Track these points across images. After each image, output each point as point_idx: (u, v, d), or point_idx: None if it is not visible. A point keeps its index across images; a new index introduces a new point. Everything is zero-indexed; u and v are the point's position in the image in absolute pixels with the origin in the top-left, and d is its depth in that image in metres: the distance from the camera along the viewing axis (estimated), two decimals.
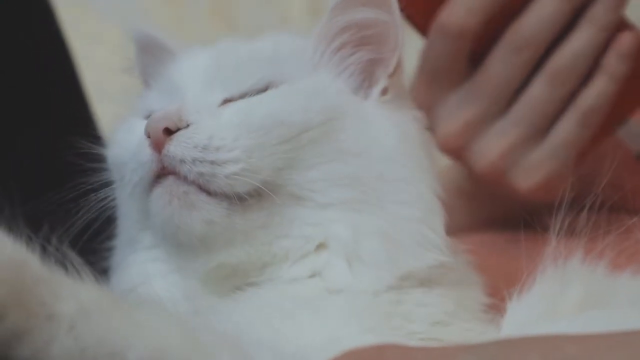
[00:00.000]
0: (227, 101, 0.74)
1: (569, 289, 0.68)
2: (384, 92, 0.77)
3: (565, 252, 0.69)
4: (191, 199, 0.69)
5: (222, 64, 0.76)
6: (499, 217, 1.00)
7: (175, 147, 0.69)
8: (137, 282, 0.74)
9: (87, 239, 0.72)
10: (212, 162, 0.69)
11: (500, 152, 0.93)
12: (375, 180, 0.72)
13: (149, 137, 0.70)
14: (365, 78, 0.77)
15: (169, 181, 0.70)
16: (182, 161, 0.69)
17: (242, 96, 0.74)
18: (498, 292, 0.71)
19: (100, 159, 0.78)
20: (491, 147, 0.94)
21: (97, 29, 1.39)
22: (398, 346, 0.60)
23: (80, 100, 1.07)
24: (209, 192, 0.70)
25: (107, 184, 0.76)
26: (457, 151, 0.96)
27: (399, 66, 0.77)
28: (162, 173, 0.70)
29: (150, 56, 0.83)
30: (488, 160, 0.94)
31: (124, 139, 0.76)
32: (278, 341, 0.62)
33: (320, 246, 0.71)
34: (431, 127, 0.90)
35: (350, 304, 0.68)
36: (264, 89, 0.74)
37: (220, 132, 0.70)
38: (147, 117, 0.75)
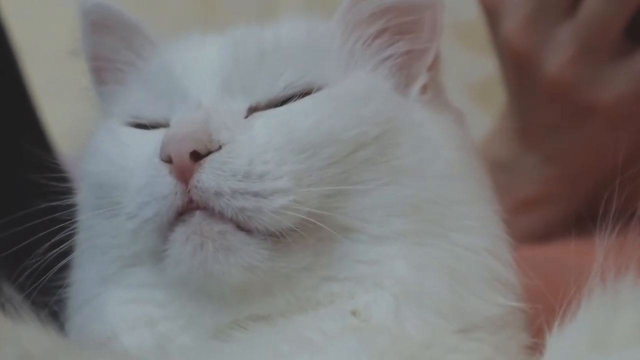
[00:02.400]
0: (252, 110, 0.62)
1: (620, 316, 0.59)
2: (424, 89, 0.67)
3: (615, 270, 0.59)
4: (229, 240, 0.58)
5: (243, 59, 0.64)
6: (541, 196, 0.95)
7: (209, 176, 0.58)
8: (118, 327, 0.63)
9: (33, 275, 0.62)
10: (256, 194, 0.58)
11: (566, 60, 0.89)
12: (436, 204, 0.62)
13: (168, 161, 0.58)
14: (403, 74, 0.66)
15: (197, 218, 0.58)
16: (218, 194, 0.58)
17: (273, 103, 0.63)
18: (539, 327, 0.62)
19: (49, 170, 0.66)
20: (557, 54, 0.90)
21: (44, 12, 1.28)
22: None
23: (23, 97, 0.94)
24: (248, 230, 0.59)
25: (57, 207, 0.64)
26: (522, 53, 0.91)
27: (437, 58, 0.67)
28: (189, 208, 0.59)
29: (111, 37, 0.69)
30: (555, 67, 0.90)
31: (112, 152, 0.64)
32: None
33: (374, 287, 0.61)
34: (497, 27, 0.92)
35: (365, 345, 0.58)
36: (303, 94, 0.63)
37: (261, 154, 0.59)
38: (134, 124, 0.65)
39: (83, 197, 0.66)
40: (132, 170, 0.61)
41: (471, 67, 1.20)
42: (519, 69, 0.93)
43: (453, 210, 0.62)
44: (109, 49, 0.69)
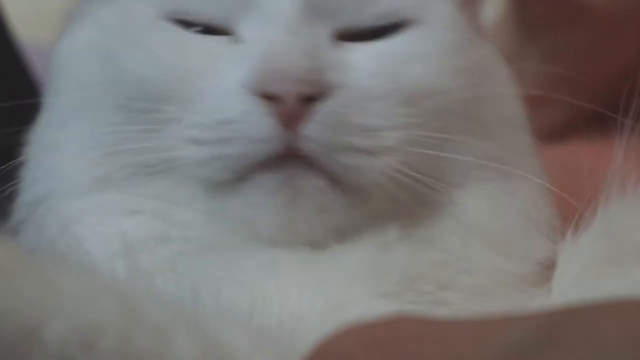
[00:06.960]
0: (337, 36, 0.54)
1: None
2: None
3: (636, 172, 0.55)
4: (325, 199, 0.52)
5: None
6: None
7: (320, 127, 0.51)
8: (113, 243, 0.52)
9: None
10: (369, 152, 0.52)
11: None
12: (508, 151, 0.58)
13: (265, 97, 0.51)
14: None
15: (294, 170, 0.52)
16: (329, 147, 0.51)
17: (361, 34, 0.55)
18: None
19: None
20: None
21: None
22: (419, 319, 0.45)
23: None
24: (346, 189, 0.53)
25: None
26: None
27: None
28: (285, 154, 0.51)
29: None
30: None
31: (166, 56, 0.54)
32: (262, 308, 0.49)
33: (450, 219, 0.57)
34: None
35: (372, 260, 0.54)
36: (396, 28, 0.55)
37: (372, 103, 0.53)
38: (178, 20, 0.54)
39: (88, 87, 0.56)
40: (203, 91, 0.53)
41: None
42: None
43: (520, 156, 0.59)
44: None
